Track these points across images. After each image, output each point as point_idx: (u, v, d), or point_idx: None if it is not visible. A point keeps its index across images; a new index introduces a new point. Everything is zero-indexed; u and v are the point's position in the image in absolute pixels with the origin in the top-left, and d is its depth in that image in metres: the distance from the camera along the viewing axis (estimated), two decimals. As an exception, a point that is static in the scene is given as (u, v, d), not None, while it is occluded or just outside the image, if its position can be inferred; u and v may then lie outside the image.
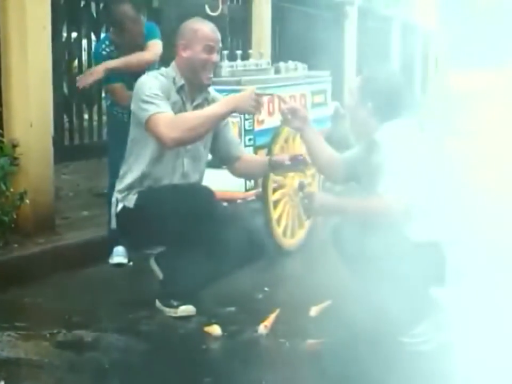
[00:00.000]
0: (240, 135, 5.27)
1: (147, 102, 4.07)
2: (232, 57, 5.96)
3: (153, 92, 4.10)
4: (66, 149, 6.40)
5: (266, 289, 4.78)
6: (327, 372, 3.62)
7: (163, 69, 4.39)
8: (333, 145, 4.41)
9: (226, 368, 3.71)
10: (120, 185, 4.32)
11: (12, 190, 5.18)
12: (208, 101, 4.41)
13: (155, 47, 5.25)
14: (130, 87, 5.16)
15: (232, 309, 4.39)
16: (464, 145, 10.01)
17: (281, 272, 5.26)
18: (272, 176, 5.35)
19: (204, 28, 4.30)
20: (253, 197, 5.64)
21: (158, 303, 4.33)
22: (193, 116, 4.11)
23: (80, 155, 6.77)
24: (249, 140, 5.37)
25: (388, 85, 3.98)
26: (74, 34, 6.80)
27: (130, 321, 4.21)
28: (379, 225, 3.69)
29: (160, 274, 4.45)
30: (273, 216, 5.49)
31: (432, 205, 3.81)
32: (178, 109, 4.25)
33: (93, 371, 3.65)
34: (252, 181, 5.49)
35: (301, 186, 4.27)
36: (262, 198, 5.50)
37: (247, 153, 4.78)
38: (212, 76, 4.35)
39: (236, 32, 8.38)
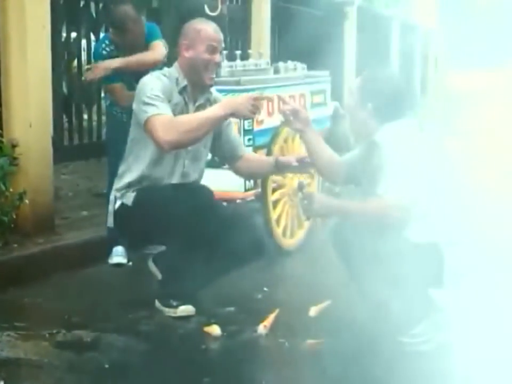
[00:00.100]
0: (239, 135, 5.26)
1: (147, 104, 4.07)
2: (231, 57, 5.96)
3: (154, 93, 4.10)
4: (65, 149, 6.39)
5: (265, 289, 4.78)
6: (326, 372, 3.62)
7: (166, 69, 4.39)
8: (332, 145, 4.41)
9: (226, 368, 3.71)
10: (118, 184, 4.32)
11: (11, 190, 5.17)
12: (210, 102, 4.41)
13: (158, 47, 5.24)
14: (130, 87, 5.18)
15: (232, 309, 4.39)
16: (464, 145, 10.01)
17: (280, 272, 5.25)
18: (272, 176, 5.35)
19: (206, 28, 4.29)
20: (252, 197, 5.64)
21: (157, 303, 4.33)
22: (191, 119, 4.11)
23: (79, 155, 6.77)
24: (249, 140, 5.36)
25: (388, 85, 3.98)
26: (73, 34, 6.79)
27: (130, 321, 4.21)
28: (378, 225, 3.69)
29: (158, 275, 4.45)
30: (273, 216, 5.49)
31: (431, 206, 3.81)
32: (180, 110, 4.25)
33: (92, 371, 3.65)
34: (251, 181, 5.49)
35: (300, 187, 4.27)
36: (262, 198, 5.50)
37: (250, 153, 4.78)
38: (214, 76, 4.35)
39: (235, 32, 8.37)
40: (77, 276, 5.01)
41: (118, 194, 4.30)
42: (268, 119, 5.51)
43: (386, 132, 3.87)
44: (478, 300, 4.20)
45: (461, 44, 33.63)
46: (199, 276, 4.25)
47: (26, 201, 5.24)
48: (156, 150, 4.18)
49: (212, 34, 4.28)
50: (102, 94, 6.55)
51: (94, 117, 7.00)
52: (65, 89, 6.62)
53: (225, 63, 5.64)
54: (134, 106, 4.21)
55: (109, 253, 5.27)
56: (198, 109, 4.32)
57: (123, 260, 5.26)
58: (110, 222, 4.40)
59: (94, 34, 6.80)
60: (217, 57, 4.29)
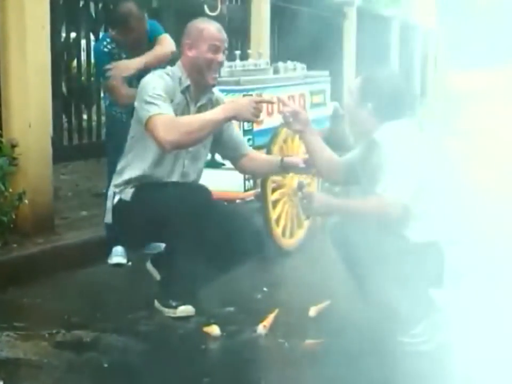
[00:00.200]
0: (239, 134, 5.26)
1: (149, 103, 4.06)
2: (231, 57, 5.96)
3: (157, 92, 4.09)
4: (65, 149, 6.39)
5: (265, 289, 4.78)
6: (326, 372, 3.61)
7: (169, 68, 4.37)
8: (331, 145, 4.41)
9: (225, 368, 3.71)
10: (117, 180, 4.32)
11: (10, 190, 5.17)
12: (212, 102, 4.40)
13: (167, 40, 5.24)
14: (130, 84, 5.18)
15: (231, 309, 4.39)
16: (464, 145, 10.01)
17: (280, 272, 5.25)
18: (272, 176, 5.35)
19: (209, 28, 4.28)
20: (252, 197, 5.64)
21: (156, 303, 4.33)
22: (192, 120, 4.10)
23: (79, 155, 6.77)
24: (248, 140, 5.35)
25: (388, 85, 3.98)
26: (73, 34, 6.79)
27: (129, 321, 4.21)
28: (378, 225, 3.69)
29: (157, 276, 4.46)
30: (272, 216, 5.49)
31: (431, 205, 3.81)
32: (182, 110, 4.24)
33: (92, 371, 3.64)
34: (251, 181, 5.49)
35: (300, 186, 4.27)
36: (261, 198, 5.49)
37: (254, 151, 4.77)
38: (217, 76, 4.35)
39: (235, 32, 8.36)
40: (76, 276, 5.01)
41: (117, 190, 4.30)
42: (267, 119, 5.51)
43: (386, 131, 3.86)
44: (478, 300, 4.21)
45: (461, 44, 33.64)
46: (198, 276, 4.25)
47: (26, 201, 5.24)
48: (157, 150, 4.17)
49: (215, 33, 4.27)
50: (102, 94, 6.54)
51: (94, 117, 7.01)
52: (64, 89, 6.62)
53: (224, 63, 5.63)
54: (136, 104, 4.21)
55: (108, 253, 5.27)
56: (200, 109, 4.31)
57: (123, 260, 5.26)
58: (108, 217, 4.39)
59: (93, 34, 6.80)
60: (220, 56, 4.28)
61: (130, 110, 4.58)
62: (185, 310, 4.24)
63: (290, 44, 10.05)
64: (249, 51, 6.93)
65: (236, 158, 4.57)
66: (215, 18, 5.48)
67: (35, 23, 5.37)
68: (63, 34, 6.56)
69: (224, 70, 5.58)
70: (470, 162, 8.51)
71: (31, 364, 3.65)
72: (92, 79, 7.09)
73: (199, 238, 4.10)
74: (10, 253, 5.01)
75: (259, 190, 5.52)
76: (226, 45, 4.36)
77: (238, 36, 8.67)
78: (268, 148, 5.47)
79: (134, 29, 5.13)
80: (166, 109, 4.06)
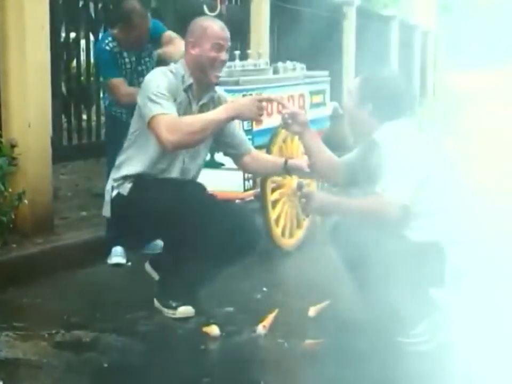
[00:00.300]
0: (239, 134, 5.26)
1: (152, 101, 4.06)
2: (230, 58, 5.94)
3: (161, 91, 4.08)
4: (64, 149, 6.39)
5: (264, 289, 4.78)
6: (325, 372, 3.61)
7: (173, 65, 4.37)
8: (331, 145, 4.41)
9: (225, 369, 3.71)
10: (116, 174, 4.31)
11: (10, 190, 5.17)
12: (214, 100, 4.39)
13: (177, 39, 5.24)
14: (131, 83, 5.18)
15: (231, 309, 4.39)
16: (464, 145, 10.01)
17: (279, 272, 5.25)
18: (271, 176, 5.35)
19: (213, 26, 4.27)
20: (252, 197, 5.63)
21: (156, 303, 4.33)
22: (195, 120, 4.09)
23: (78, 155, 6.77)
24: (248, 139, 5.35)
25: (387, 85, 3.98)
26: (72, 35, 6.79)
27: (129, 321, 4.21)
28: (378, 225, 3.69)
29: (156, 277, 4.46)
30: (272, 216, 5.49)
31: (431, 205, 3.81)
32: (184, 108, 4.24)
33: (91, 371, 3.65)
34: (251, 181, 5.49)
35: (300, 186, 4.27)
36: (261, 198, 5.49)
37: (257, 151, 4.76)
38: (220, 74, 4.34)
39: (234, 32, 8.28)
40: (76, 276, 5.01)
41: (115, 184, 4.29)
42: (267, 119, 5.50)
43: (386, 131, 3.86)
44: (478, 299, 4.20)
45: (461, 44, 33.66)
46: (197, 274, 4.25)
47: (25, 201, 5.24)
48: (158, 148, 4.17)
49: (218, 32, 4.26)
50: (101, 94, 6.54)
51: (93, 117, 7.01)
52: (64, 89, 6.62)
53: (223, 63, 5.64)
54: (139, 100, 4.20)
55: (108, 253, 5.26)
56: (202, 108, 4.31)
57: (122, 260, 5.25)
58: (106, 211, 4.39)
59: (93, 34, 6.80)
60: (223, 55, 4.27)
61: (130, 110, 4.58)
62: (185, 310, 4.23)
63: (289, 44, 10.05)
64: (248, 51, 6.93)
65: (237, 156, 4.56)
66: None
67: (34, 23, 5.37)
68: (63, 34, 6.56)
69: (224, 70, 5.57)
70: (470, 162, 8.50)
71: (31, 364, 3.65)
72: (92, 79, 7.09)
73: (196, 234, 4.08)
74: (10, 253, 5.01)
75: (258, 190, 5.52)
76: (229, 43, 4.36)
77: (238, 36, 8.65)
78: (267, 148, 5.47)
79: (137, 26, 5.12)
80: (169, 108, 4.06)
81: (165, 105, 4.06)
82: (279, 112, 5.53)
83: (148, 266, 4.53)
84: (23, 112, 5.36)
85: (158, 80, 4.15)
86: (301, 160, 4.61)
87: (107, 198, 4.36)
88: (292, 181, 5.53)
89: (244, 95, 5.13)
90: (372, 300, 3.92)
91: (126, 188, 4.24)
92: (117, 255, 5.25)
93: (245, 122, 5.30)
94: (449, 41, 30.07)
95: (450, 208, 3.87)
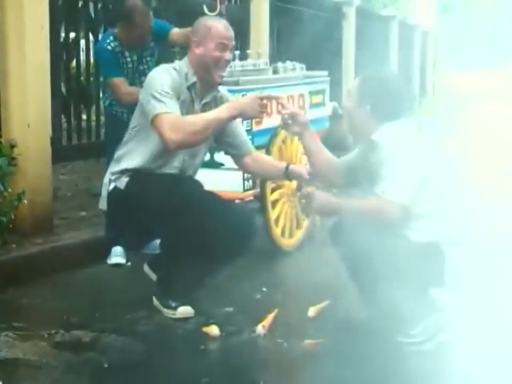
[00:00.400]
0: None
1: (156, 99, 4.05)
2: (230, 57, 5.95)
3: (164, 89, 4.08)
4: (64, 149, 6.38)
5: (264, 289, 4.78)
6: (325, 372, 3.61)
7: (177, 62, 4.37)
8: (330, 145, 4.41)
9: (224, 369, 3.71)
10: (114, 168, 4.31)
11: (9, 190, 5.17)
12: (216, 100, 4.39)
13: (187, 30, 5.26)
14: (132, 82, 5.18)
15: (230, 309, 4.39)
16: (464, 145, 10.00)
17: (279, 272, 5.25)
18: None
19: (217, 25, 4.28)
20: (251, 197, 5.63)
21: (156, 302, 4.33)
22: (198, 120, 4.09)
23: (78, 155, 6.76)
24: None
25: (387, 86, 3.98)
26: (72, 35, 6.79)
27: (129, 321, 4.21)
28: (378, 225, 3.69)
29: (154, 278, 4.46)
30: (272, 216, 5.49)
31: (431, 205, 3.81)
32: (187, 106, 4.23)
33: (91, 371, 3.65)
34: (250, 181, 5.49)
35: (299, 186, 4.27)
36: (260, 198, 5.49)
37: (258, 153, 4.76)
38: (223, 74, 4.34)
39: (234, 32, 8.34)
40: (75, 276, 5.00)
41: (112, 178, 4.29)
42: (266, 119, 5.50)
43: (385, 132, 3.86)
44: (478, 299, 4.21)
45: (461, 44, 33.66)
46: (195, 273, 4.25)
47: (25, 201, 5.24)
48: (158, 143, 4.16)
49: (223, 31, 4.27)
50: (101, 94, 6.54)
51: (93, 117, 7.01)
52: (63, 89, 6.61)
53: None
54: (142, 96, 4.20)
55: (107, 253, 5.26)
56: (204, 107, 4.30)
57: (122, 260, 5.25)
58: (103, 204, 4.39)
59: (92, 34, 6.80)
60: (227, 54, 4.27)
61: (131, 109, 4.57)
62: (185, 311, 4.23)
63: (289, 44, 10.05)
64: (248, 51, 6.93)
65: (238, 156, 4.55)
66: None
67: (34, 23, 5.37)
68: (62, 34, 6.56)
69: (223, 70, 5.58)
70: (470, 162, 8.51)
71: (30, 364, 3.65)
72: (91, 79, 7.09)
73: (192, 231, 4.07)
74: (10, 253, 5.01)
75: (258, 190, 5.52)
76: (233, 43, 4.36)
77: (237, 36, 8.61)
78: (266, 148, 5.47)
79: (139, 25, 5.12)
80: (172, 107, 4.06)
81: (169, 103, 4.06)
82: (278, 112, 5.54)
83: (146, 268, 4.53)
84: (23, 112, 5.36)
85: (162, 78, 4.15)
86: (301, 167, 4.60)
87: (104, 191, 4.36)
88: (292, 181, 5.53)
89: (243, 95, 5.12)
90: (371, 300, 3.93)
91: (123, 181, 4.24)
92: (117, 255, 5.25)
93: (245, 122, 5.30)
94: (449, 41, 30.06)
95: (450, 208, 3.87)
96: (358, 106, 3.98)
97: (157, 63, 5.26)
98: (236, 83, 5.42)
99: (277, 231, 5.54)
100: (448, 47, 29.60)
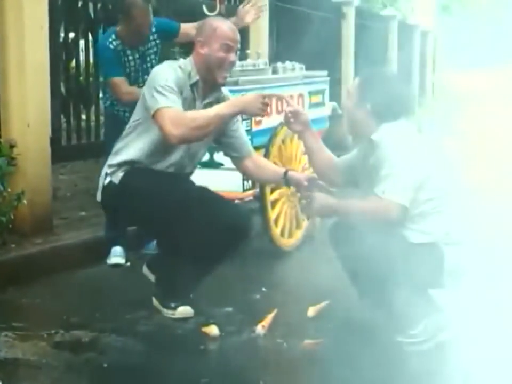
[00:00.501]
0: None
1: (159, 93, 4.05)
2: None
3: (169, 84, 4.08)
4: (63, 149, 6.39)
5: (264, 289, 4.78)
6: (325, 372, 3.62)
7: (181, 60, 4.36)
8: (330, 145, 4.41)
9: (224, 369, 3.71)
10: (112, 161, 4.30)
11: (9, 190, 5.17)
12: (219, 101, 4.38)
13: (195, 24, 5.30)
14: (134, 82, 5.18)
15: (230, 309, 4.39)
16: (463, 145, 10.01)
17: (279, 272, 5.25)
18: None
19: (223, 27, 4.27)
20: (251, 197, 5.63)
21: (155, 302, 4.33)
22: (200, 115, 4.08)
23: (77, 155, 6.77)
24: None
25: (386, 86, 3.98)
26: (71, 35, 6.79)
27: (128, 321, 4.21)
28: (378, 225, 3.69)
29: (153, 279, 4.46)
30: (271, 216, 5.49)
31: (431, 206, 3.81)
32: (188, 105, 4.23)
33: (90, 371, 3.65)
34: (250, 181, 5.49)
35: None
36: (260, 198, 5.49)
37: (259, 157, 4.76)
38: (227, 75, 4.34)
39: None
40: (75, 276, 5.00)
41: (109, 171, 4.29)
42: (266, 120, 5.51)
43: (385, 132, 3.86)
44: (478, 299, 4.21)
45: (460, 44, 33.66)
46: (193, 271, 4.26)
47: (25, 201, 5.24)
48: (156, 141, 4.16)
49: (228, 32, 4.26)
50: (101, 94, 6.54)
51: (92, 117, 7.01)
52: (63, 89, 6.62)
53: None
54: (145, 90, 4.20)
55: (107, 253, 5.26)
56: (206, 107, 4.28)
57: (121, 260, 5.25)
58: (99, 196, 4.40)
59: (92, 34, 6.80)
60: (232, 56, 4.26)
61: (132, 109, 4.57)
62: (184, 311, 4.23)
63: (289, 44, 10.05)
64: (248, 51, 6.93)
65: (238, 158, 4.53)
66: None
67: (34, 23, 5.37)
68: (62, 34, 6.56)
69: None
70: (469, 162, 8.51)
71: (30, 364, 3.65)
72: (91, 79, 7.09)
73: (185, 229, 4.07)
74: (9, 253, 5.01)
75: (258, 190, 5.51)
76: (239, 45, 4.36)
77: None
78: (266, 148, 5.47)
79: (137, 18, 5.11)
80: (175, 102, 4.06)
81: (171, 98, 4.05)
82: (278, 112, 5.55)
83: (145, 269, 4.53)
84: (22, 112, 5.36)
85: (167, 74, 4.15)
86: (300, 174, 4.59)
87: (100, 183, 4.36)
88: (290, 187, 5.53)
89: (242, 95, 5.12)
90: (371, 300, 3.92)
91: (119, 176, 4.24)
92: (116, 255, 5.25)
93: (244, 122, 5.30)
94: (449, 41, 30.07)
95: (450, 208, 3.87)
96: (358, 106, 3.97)
97: (158, 62, 5.27)
98: (235, 83, 5.41)
99: (276, 231, 5.54)
100: (448, 47, 29.62)
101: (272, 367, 3.81)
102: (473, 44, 37.56)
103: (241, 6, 5.86)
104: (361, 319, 4.01)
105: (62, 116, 6.57)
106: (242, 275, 4.91)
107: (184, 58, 4.46)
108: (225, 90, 4.49)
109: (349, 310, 4.20)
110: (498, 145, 10.29)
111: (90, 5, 6.85)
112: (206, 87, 4.31)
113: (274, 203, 5.56)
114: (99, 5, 6.87)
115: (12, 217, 5.18)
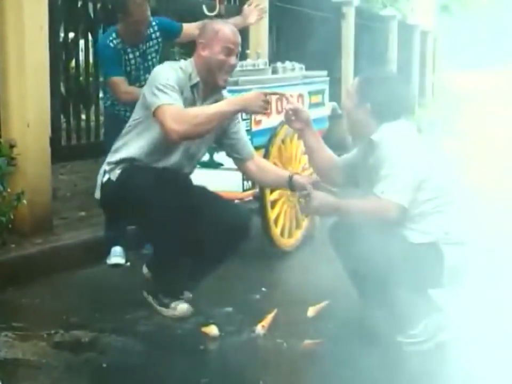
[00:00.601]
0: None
1: (160, 90, 4.05)
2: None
3: (170, 83, 4.09)
4: (63, 149, 6.39)
5: (263, 289, 4.78)
6: (325, 372, 3.62)
7: (182, 62, 4.37)
8: (330, 145, 4.41)
9: (224, 369, 3.71)
10: (110, 158, 4.30)
11: (9, 190, 5.17)
12: None
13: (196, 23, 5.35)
14: (134, 81, 5.18)
15: (230, 309, 4.39)
16: (463, 145, 10.02)
17: (278, 272, 5.25)
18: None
19: (224, 29, 4.27)
20: (251, 197, 5.63)
21: (151, 300, 4.33)
22: (201, 112, 4.09)
23: (77, 155, 6.77)
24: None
25: (385, 86, 3.97)
26: (71, 35, 6.79)
27: (128, 321, 4.21)
28: (378, 225, 3.69)
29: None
30: (271, 216, 5.49)
31: (431, 206, 3.81)
32: (188, 106, 4.22)
33: (90, 371, 3.65)
34: (249, 181, 5.49)
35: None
36: (260, 198, 5.49)
37: (263, 159, 4.76)
38: (228, 78, 4.33)
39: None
40: (75, 276, 5.00)
41: (107, 168, 4.29)
42: (266, 119, 5.51)
43: (384, 132, 3.86)
44: (478, 299, 4.21)
45: (460, 44, 33.66)
46: (191, 270, 4.26)
47: (24, 201, 5.24)
48: (155, 140, 4.17)
49: (230, 36, 4.27)
50: (101, 94, 6.54)
51: (92, 117, 7.00)
52: (63, 89, 6.61)
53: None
54: (145, 89, 4.21)
55: (107, 253, 5.26)
56: None
57: (121, 260, 5.25)
58: (98, 194, 4.40)
59: (91, 34, 6.80)
60: (232, 59, 4.27)
61: (133, 108, 4.56)
62: (181, 309, 4.24)
63: (288, 44, 10.05)
64: (247, 51, 6.93)
65: (240, 160, 4.53)
66: (214, 19, 5.48)
67: (33, 23, 5.37)
68: (62, 35, 6.56)
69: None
70: (469, 162, 8.52)
71: (30, 364, 3.65)
72: (90, 79, 7.09)
73: (182, 228, 4.08)
74: (9, 253, 5.01)
75: (257, 190, 5.51)
76: (240, 48, 4.36)
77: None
78: (266, 148, 5.46)
79: (133, 15, 5.11)
80: (176, 99, 4.07)
81: (172, 96, 4.06)
82: (278, 112, 5.54)
83: (145, 269, 4.53)
84: (22, 112, 5.37)
85: (168, 73, 4.16)
86: (305, 177, 4.58)
87: (98, 181, 4.36)
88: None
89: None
90: (371, 300, 3.92)
91: (116, 174, 4.23)
92: (116, 255, 5.25)
93: (244, 122, 5.29)
94: (449, 41, 30.08)
95: (450, 208, 3.87)
96: (358, 106, 3.97)
97: (159, 62, 5.28)
98: (235, 83, 5.41)
99: (276, 231, 5.54)
100: (448, 47, 29.62)
101: (272, 367, 3.80)
102: (473, 44, 37.56)
103: (246, 6, 5.88)
104: (361, 319, 4.02)
105: (62, 116, 6.57)
106: (242, 275, 4.91)
107: (185, 58, 4.46)
108: (226, 92, 4.50)
109: (349, 310, 4.20)
110: (498, 145, 10.30)
111: (90, 5, 6.85)
112: (206, 89, 4.31)
113: (274, 203, 5.56)
114: (99, 5, 6.87)
115: (12, 217, 5.18)
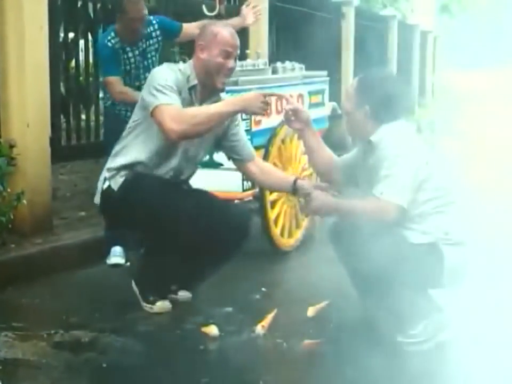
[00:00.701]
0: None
1: (159, 91, 4.06)
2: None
3: (168, 83, 4.10)
4: (63, 149, 6.39)
5: (263, 289, 4.78)
6: (324, 372, 3.62)
7: (181, 64, 4.38)
8: (330, 145, 4.41)
9: (224, 369, 3.71)
10: (111, 164, 4.30)
11: (9, 190, 5.17)
12: None
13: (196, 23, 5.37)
14: (137, 78, 5.18)
15: (230, 309, 4.38)
16: (463, 145, 10.01)
17: (278, 272, 5.25)
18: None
19: (223, 32, 4.28)
20: (251, 197, 5.63)
21: (136, 291, 4.40)
22: (200, 112, 4.09)
23: (77, 155, 6.77)
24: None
25: (385, 86, 3.97)
26: (71, 35, 6.79)
27: (128, 321, 4.21)
28: (378, 225, 3.69)
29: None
30: (271, 216, 5.49)
31: (430, 206, 3.81)
32: (186, 107, 4.23)
33: (90, 371, 3.65)
34: (249, 181, 5.49)
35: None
36: (260, 198, 5.49)
37: (265, 162, 4.75)
38: (225, 81, 4.33)
39: (233, 32, 8.33)
40: (75, 276, 5.00)
41: (108, 175, 4.29)
42: (265, 120, 5.51)
43: (384, 133, 3.86)
44: (478, 299, 4.21)
45: (460, 44, 33.67)
46: (191, 271, 4.30)
47: (24, 201, 5.24)
48: (156, 140, 4.17)
49: (228, 39, 4.27)
50: (101, 94, 6.54)
51: (92, 117, 7.00)
52: (63, 90, 6.61)
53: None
54: (143, 90, 4.22)
55: (107, 253, 5.26)
56: None
57: (121, 261, 5.25)
58: (97, 199, 4.40)
59: (91, 34, 6.79)
60: (231, 62, 4.27)
61: (133, 108, 4.57)
62: (162, 305, 4.31)
63: (288, 44, 10.05)
64: (247, 51, 6.92)
65: (240, 162, 4.52)
66: (213, 19, 5.49)
67: (33, 23, 5.37)
68: (61, 35, 6.56)
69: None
70: (469, 162, 8.51)
71: (30, 364, 3.64)
72: (90, 79, 7.08)
73: (182, 231, 4.11)
74: (9, 253, 5.01)
75: (257, 190, 5.51)
76: (238, 51, 4.36)
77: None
78: (266, 148, 5.47)
79: (129, 13, 5.12)
80: (175, 100, 4.08)
81: (171, 96, 4.07)
82: (278, 112, 5.54)
83: (134, 287, 4.56)
84: (22, 112, 5.36)
85: (166, 74, 4.17)
86: (309, 182, 4.57)
87: (99, 187, 4.36)
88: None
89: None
90: (371, 300, 3.93)
91: (118, 182, 4.23)
92: (116, 255, 5.25)
93: (244, 122, 5.30)
94: (449, 41, 30.08)
95: (450, 208, 3.87)
96: (357, 107, 3.97)
97: (159, 61, 5.28)
98: (235, 83, 5.41)
99: (276, 231, 5.54)
100: (448, 47, 29.61)
101: (272, 367, 3.80)
102: (473, 44, 37.57)
103: (243, 6, 5.88)
104: (361, 319, 4.02)
105: (62, 116, 6.56)
106: (242, 275, 4.91)
107: (184, 58, 4.47)
108: (224, 95, 4.50)
109: (349, 310, 4.20)
110: (498, 145, 10.30)
111: (90, 5, 6.84)
112: (204, 91, 4.31)
113: (274, 203, 5.56)
114: (99, 5, 6.87)
115: (12, 217, 5.18)
